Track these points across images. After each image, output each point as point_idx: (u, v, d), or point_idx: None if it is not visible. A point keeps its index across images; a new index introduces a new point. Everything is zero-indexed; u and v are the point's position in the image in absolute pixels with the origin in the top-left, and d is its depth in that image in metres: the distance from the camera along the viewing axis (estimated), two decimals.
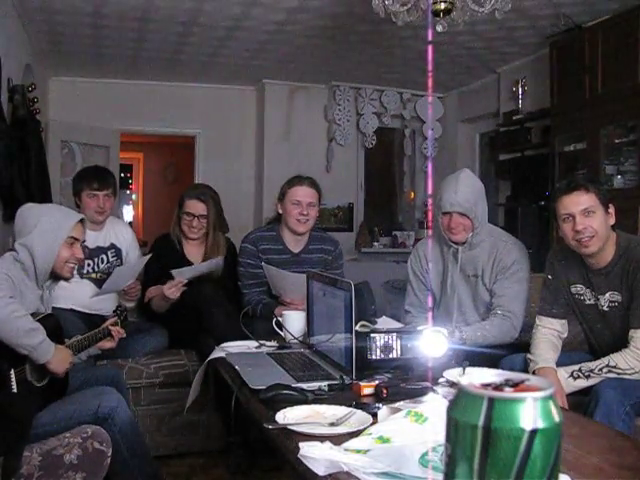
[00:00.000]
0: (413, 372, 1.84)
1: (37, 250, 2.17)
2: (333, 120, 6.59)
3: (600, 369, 2.11)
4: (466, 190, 2.57)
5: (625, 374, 2.08)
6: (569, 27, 4.46)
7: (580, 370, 2.14)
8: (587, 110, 4.27)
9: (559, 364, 2.28)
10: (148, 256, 3.19)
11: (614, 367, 2.10)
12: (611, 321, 2.30)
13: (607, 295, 2.27)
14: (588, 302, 2.34)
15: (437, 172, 6.74)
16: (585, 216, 2.16)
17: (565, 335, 2.41)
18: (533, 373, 2.26)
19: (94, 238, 3.21)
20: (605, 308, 2.29)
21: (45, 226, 2.20)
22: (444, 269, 2.79)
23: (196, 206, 3.26)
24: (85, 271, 3.18)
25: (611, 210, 2.21)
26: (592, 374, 2.12)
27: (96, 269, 3.21)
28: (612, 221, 2.22)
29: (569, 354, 2.41)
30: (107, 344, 2.48)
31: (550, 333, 2.38)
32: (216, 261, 3.19)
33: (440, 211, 2.65)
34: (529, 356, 2.34)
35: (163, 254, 3.27)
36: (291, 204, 3.08)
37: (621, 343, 2.18)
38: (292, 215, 3.08)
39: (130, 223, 9.45)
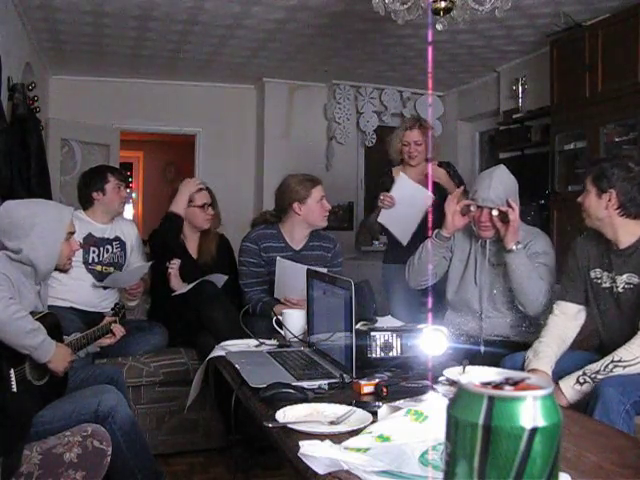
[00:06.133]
0: (413, 371, 1.83)
1: (38, 253, 2.15)
2: (333, 118, 6.59)
3: (605, 367, 2.10)
4: (499, 187, 2.63)
5: (630, 365, 2.07)
6: (569, 25, 4.46)
7: (585, 374, 2.12)
8: (587, 108, 4.27)
9: (562, 365, 2.28)
10: (150, 262, 3.28)
11: (619, 361, 2.09)
12: (623, 304, 2.31)
13: (624, 277, 2.30)
14: (604, 285, 2.37)
15: None
16: (584, 194, 2.34)
17: (581, 323, 2.43)
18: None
19: (101, 230, 3.30)
20: (620, 289, 2.31)
21: (42, 228, 2.16)
22: (468, 258, 2.81)
23: (206, 195, 3.39)
24: (90, 259, 3.21)
25: (607, 196, 2.26)
26: (599, 375, 2.09)
27: (101, 258, 3.26)
28: (611, 205, 2.25)
29: (572, 354, 2.40)
30: (106, 341, 2.49)
31: (563, 324, 2.39)
32: (222, 277, 3.23)
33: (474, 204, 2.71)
34: (528, 353, 2.34)
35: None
36: (317, 202, 3.14)
37: (630, 330, 2.19)
38: (321, 213, 3.16)
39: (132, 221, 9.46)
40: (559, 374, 2.23)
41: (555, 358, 2.31)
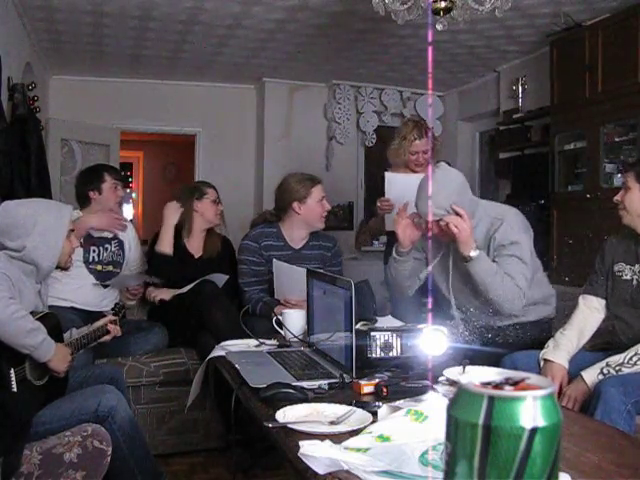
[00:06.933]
0: (413, 370, 1.83)
1: (41, 251, 2.16)
2: (333, 119, 6.59)
3: (629, 359, 2.12)
4: (440, 194, 2.38)
5: None
6: (569, 25, 4.46)
7: (608, 365, 2.14)
8: (587, 108, 4.27)
9: (576, 366, 2.29)
10: (153, 277, 3.29)
11: None
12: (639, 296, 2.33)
13: None
14: (624, 277, 2.39)
15: None
16: (624, 190, 2.33)
17: (603, 316, 2.46)
18: (544, 361, 2.33)
19: (99, 230, 3.29)
20: None
21: (44, 226, 2.17)
22: (443, 254, 2.71)
23: (215, 192, 3.44)
24: (91, 258, 3.22)
25: None
26: (623, 367, 2.11)
27: (101, 257, 3.26)
28: None
29: (587, 354, 2.41)
30: (103, 338, 2.51)
31: (584, 317, 2.43)
32: (222, 277, 3.25)
33: None
34: (549, 342, 2.38)
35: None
36: (317, 202, 3.14)
37: None
38: (320, 213, 3.16)
39: (130, 221, 9.46)
40: (574, 374, 2.26)
41: (573, 352, 2.35)
